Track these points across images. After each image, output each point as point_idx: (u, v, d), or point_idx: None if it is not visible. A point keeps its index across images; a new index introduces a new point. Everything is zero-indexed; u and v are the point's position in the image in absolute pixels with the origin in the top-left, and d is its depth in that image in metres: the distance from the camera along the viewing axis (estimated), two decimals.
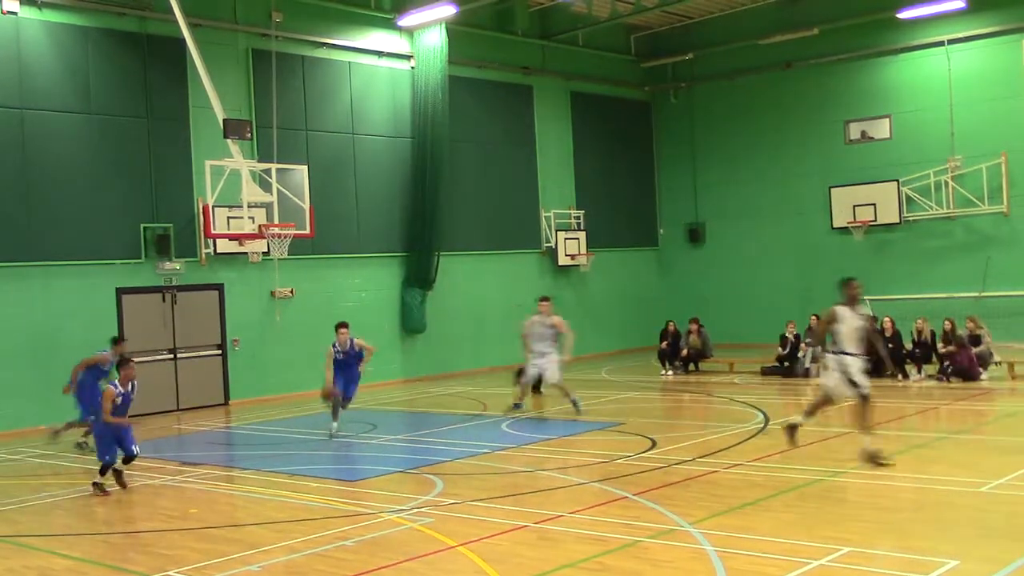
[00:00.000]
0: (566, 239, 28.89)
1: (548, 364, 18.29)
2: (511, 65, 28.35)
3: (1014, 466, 11.80)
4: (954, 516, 9.93)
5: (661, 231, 32.66)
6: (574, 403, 18.02)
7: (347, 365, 16.94)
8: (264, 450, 15.94)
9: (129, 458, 13.10)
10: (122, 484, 13.05)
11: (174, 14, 19.02)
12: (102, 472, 12.90)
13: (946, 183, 26.64)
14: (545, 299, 18.73)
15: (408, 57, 25.66)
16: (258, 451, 16.10)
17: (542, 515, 10.41)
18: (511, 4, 27.63)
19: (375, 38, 25.13)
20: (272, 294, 22.82)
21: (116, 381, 12.96)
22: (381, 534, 9.98)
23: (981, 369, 20.44)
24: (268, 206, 19.19)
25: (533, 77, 28.96)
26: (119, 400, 12.87)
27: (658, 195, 32.74)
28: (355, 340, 16.95)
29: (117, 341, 17.01)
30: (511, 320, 27.29)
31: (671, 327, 25.14)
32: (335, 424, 16.77)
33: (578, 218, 29.57)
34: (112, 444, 12.94)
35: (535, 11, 28.73)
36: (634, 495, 11.12)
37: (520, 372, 19.45)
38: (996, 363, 20.95)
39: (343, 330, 16.91)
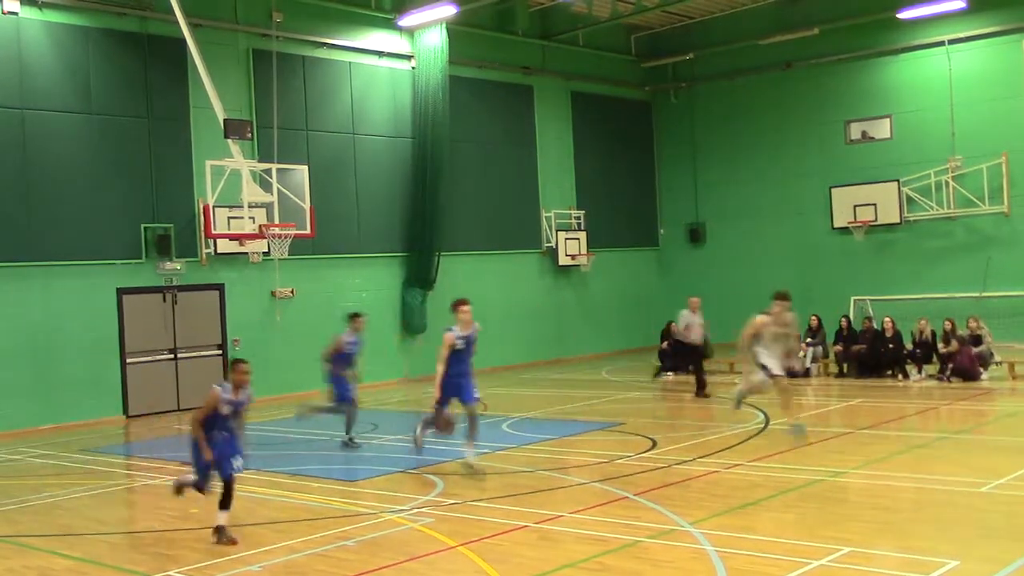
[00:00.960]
0: (566, 239, 28.90)
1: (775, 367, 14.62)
2: (511, 65, 28.35)
3: (1014, 466, 11.80)
4: (954, 516, 9.93)
5: (661, 231, 32.67)
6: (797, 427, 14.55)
7: (463, 359, 13.11)
8: (264, 450, 15.92)
9: (227, 482, 10.00)
10: (226, 540, 9.86)
11: (175, 14, 19.03)
12: (197, 487, 10.36)
13: (947, 183, 26.64)
14: (782, 296, 14.75)
15: (408, 57, 25.67)
16: (258, 451, 16.07)
17: (542, 515, 10.42)
18: (511, 4, 27.64)
19: (375, 38, 25.13)
20: (273, 294, 22.83)
21: (227, 387, 10.16)
22: (382, 534, 9.99)
23: (982, 369, 20.44)
24: (268, 206, 19.20)
25: (533, 77, 28.97)
26: (226, 410, 10.12)
27: (658, 195, 32.75)
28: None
29: (354, 316, 15.99)
30: (511, 320, 27.40)
31: (672, 327, 25.09)
32: (348, 436, 15.53)
33: (578, 218, 29.58)
34: (206, 465, 10.10)
35: (535, 11, 28.73)
36: (634, 495, 11.12)
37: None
38: (996, 363, 20.95)
39: (464, 308, 13.17)
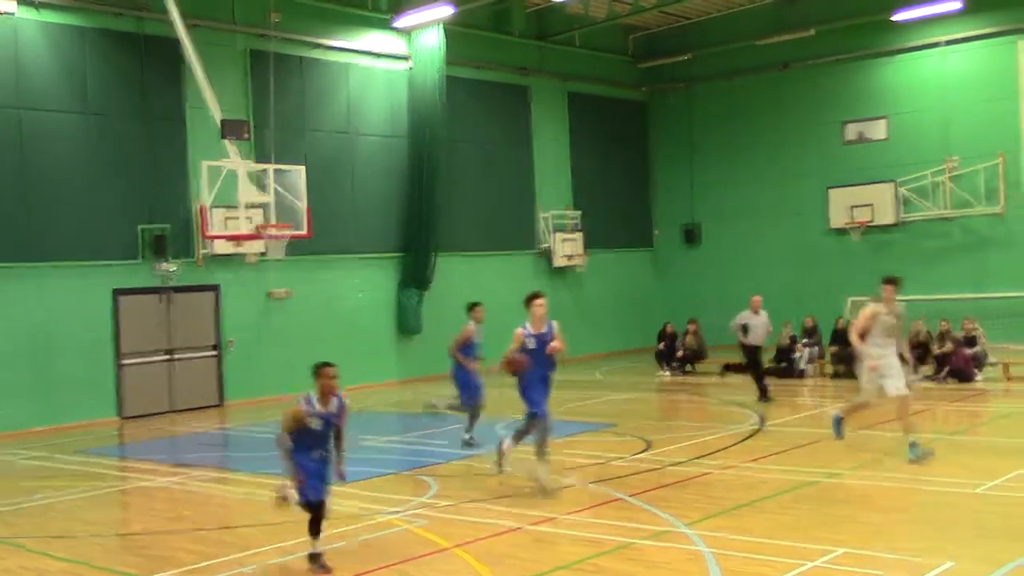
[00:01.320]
0: (563, 240, 28.88)
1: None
2: (508, 66, 28.35)
3: (1009, 467, 11.81)
4: (949, 517, 9.93)
5: (657, 232, 32.66)
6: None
7: (540, 362, 11.73)
8: (258, 452, 15.91)
9: (315, 508, 8.84)
10: (320, 568, 8.82)
11: (171, 15, 19.02)
12: (308, 508, 8.85)
13: (943, 184, 26.66)
14: (892, 280, 12.99)
15: (405, 58, 25.65)
16: (253, 453, 16.08)
17: (537, 517, 10.42)
18: (508, 5, 27.65)
19: (372, 39, 25.12)
20: (269, 295, 22.81)
21: (312, 397, 8.82)
22: (376, 535, 9.98)
23: (976, 370, 20.45)
24: (265, 207, 19.19)
25: (530, 78, 28.96)
26: (316, 424, 8.76)
27: (655, 196, 32.74)
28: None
29: (474, 306, 15.54)
30: (507, 320, 27.24)
31: (668, 328, 25.16)
32: (468, 435, 14.92)
33: (575, 219, 29.56)
34: (312, 479, 8.83)
35: (532, 12, 28.73)
36: (629, 496, 11.13)
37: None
38: (991, 364, 20.97)
39: (538, 301, 12.07)
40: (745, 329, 18.90)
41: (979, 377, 20.40)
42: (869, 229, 27.84)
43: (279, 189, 19.21)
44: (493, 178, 27.82)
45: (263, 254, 21.38)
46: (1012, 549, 8.51)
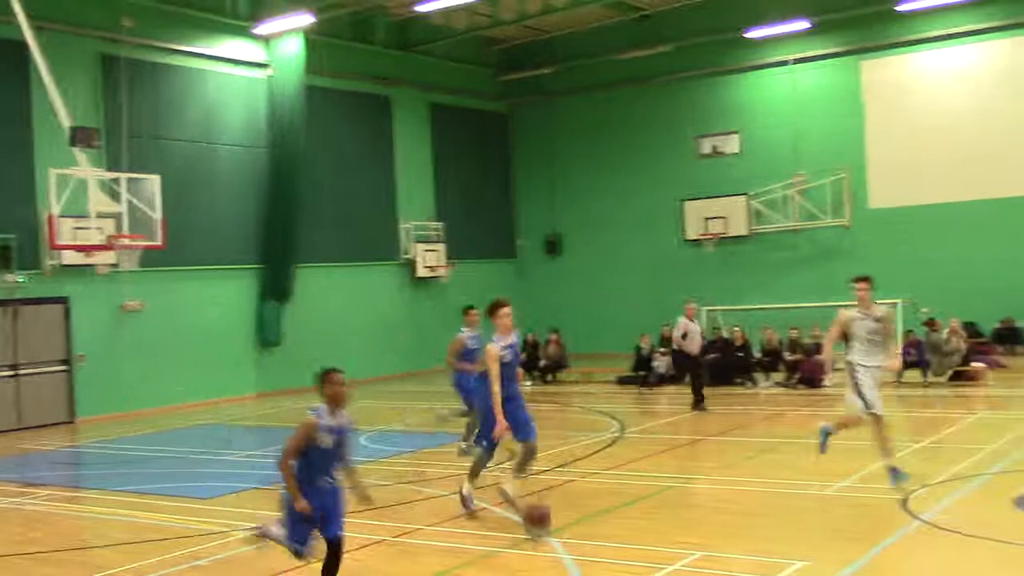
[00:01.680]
0: (425, 251, 28.85)
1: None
2: (370, 76, 28.19)
3: (857, 467, 12.27)
4: (802, 518, 10.28)
5: (520, 243, 32.93)
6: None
7: (512, 377, 10.78)
8: (112, 469, 15.39)
9: (333, 545, 7.75)
10: None
11: (17, 16, 18.27)
12: (294, 551, 7.85)
13: (792, 197, 27.64)
14: (863, 278, 11.65)
15: (265, 65, 25.25)
16: (106, 470, 15.54)
17: (400, 528, 10.36)
18: (370, 14, 27.50)
19: (231, 46, 24.64)
20: (121, 307, 22.08)
21: (321, 408, 7.63)
22: (234, 553, 9.75)
23: (824, 376, 21.22)
24: (117, 217, 18.60)
25: (392, 88, 28.86)
26: (327, 441, 7.58)
27: (517, 207, 33.01)
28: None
29: (468, 310, 14.61)
30: (369, 332, 27.18)
31: (529, 338, 25.35)
32: (465, 444, 13.74)
33: (437, 230, 29.56)
34: (304, 521, 7.65)
35: (394, 22, 28.65)
36: (493, 506, 11.15)
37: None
38: (838, 370, 21.74)
39: (504, 310, 10.87)
40: (684, 338, 18.70)
41: (828, 383, 21.16)
42: (722, 240, 28.67)
43: (132, 199, 18.64)
44: (354, 188, 27.58)
45: (115, 265, 20.69)
46: (862, 547, 8.85)
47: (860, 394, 11.35)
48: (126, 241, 18.67)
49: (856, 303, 11.51)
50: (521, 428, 10.56)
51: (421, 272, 28.66)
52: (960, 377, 20.40)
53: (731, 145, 29.13)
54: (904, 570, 8.49)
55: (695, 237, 29.04)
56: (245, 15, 24.66)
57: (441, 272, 29.07)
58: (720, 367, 22.07)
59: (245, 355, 24.57)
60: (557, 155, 32.01)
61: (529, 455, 10.69)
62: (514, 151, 33.08)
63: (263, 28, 24.33)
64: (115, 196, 18.65)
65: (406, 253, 28.69)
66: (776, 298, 26.54)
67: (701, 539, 9.30)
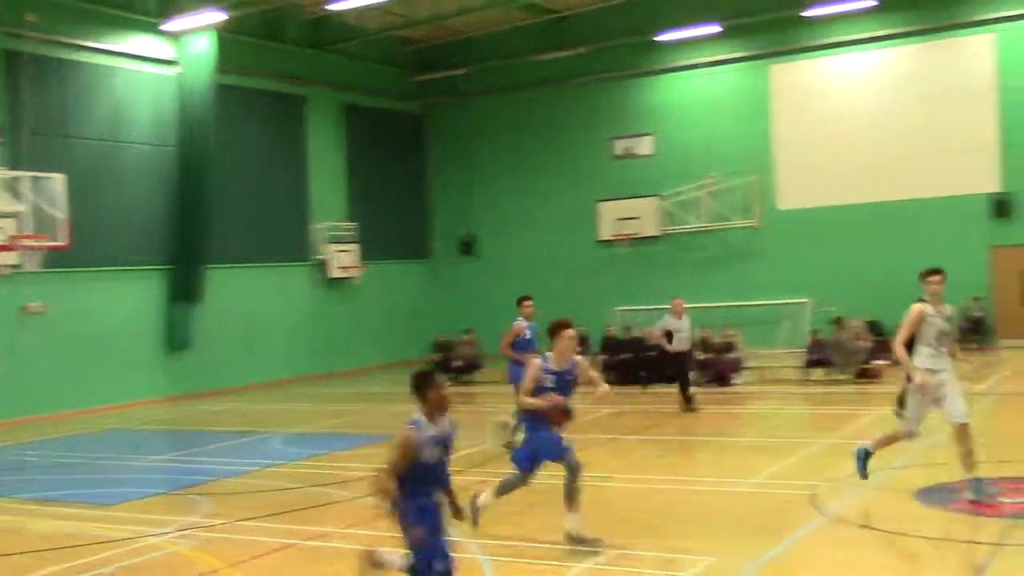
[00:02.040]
0: (338, 251, 28.59)
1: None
2: (282, 74, 27.85)
3: (765, 465, 12.50)
4: (713, 515, 10.42)
5: (434, 243, 32.84)
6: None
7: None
8: (14, 475, 14.97)
9: None
10: None
11: None
12: None
13: (703, 199, 28.04)
14: (937, 271, 10.41)
15: (174, 63, 24.77)
16: (7, 476, 15.10)
17: (312, 532, 10.26)
18: (282, 12, 27.16)
19: (139, 42, 24.12)
20: (23, 309, 21.46)
21: (419, 419, 6.73)
22: (140, 559, 9.55)
23: (735, 374, 21.58)
24: (19, 216, 18.12)
25: (305, 87, 28.54)
26: (432, 455, 6.70)
27: (432, 208, 32.92)
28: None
29: (523, 300, 14.17)
30: (281, 333, 26.86)
31: (443, 339, 25.32)
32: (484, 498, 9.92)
33: (351, 230, 29.31)
34: (434, 544, 6.71)
35: (307, 20, 28.33)
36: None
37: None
38: (748, 368, 22.18)
39: (569, 332, 9.62)
40: (669, 336, 18.15)
41: (738, 381, 21.52)
42: (635, 241, 28.96)
43: (35, 198, 18.17)
44: (266, 188, 27.22)
45: (17, 266, 20.12)
46: (769, 542, 9.01)
47: (947, 403, 9.93)
48: (29, 241, 18.20)
49: (928, 299, 10.12)
50: (557, 446, 9.25)
51: (334, 273, 28.40)
52: (864, 375, 20.90)
53: (644, 147, 29.44)
54: (810, 563, 8.67)
55: (609, 238, 29.31)
56: (154, 12, 24.17)
57: (354, 273, 28.85)
58: (633, 367, 22.30)
59: (155, 358, 24.07)
60: (473, 156, 32.01)
61: (574, 473, 9.25)
62: (429, 152, 32.98)
63: (172, 25, 23.88)
64: (17, 195, 18.16)
65: (319, 254, 28.41)
66: (688, 298, 26.75)
67: (614, 537, 9.36)
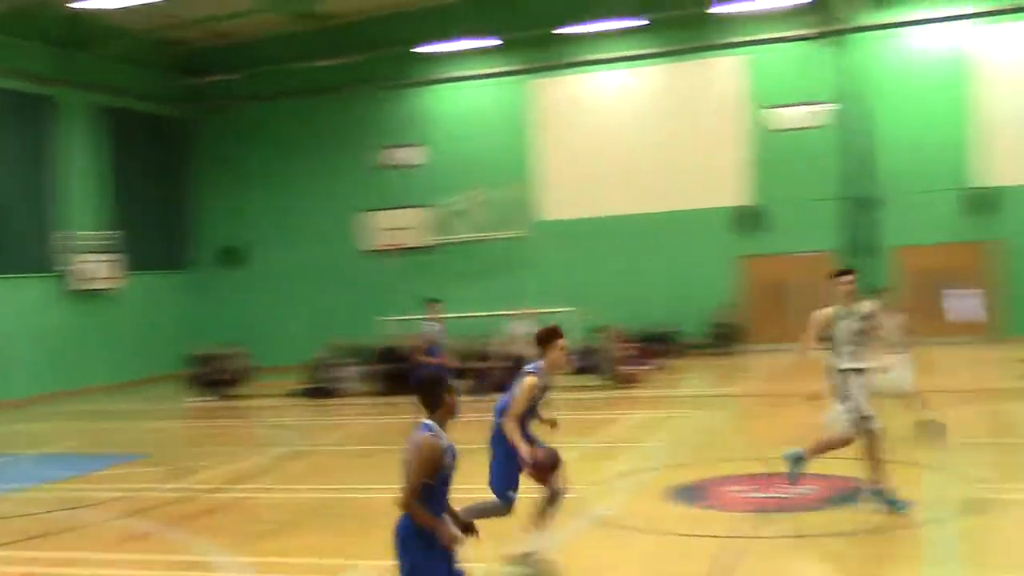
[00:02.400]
0: (94, 261, 27.01)
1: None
2: (31, 74, 26.17)
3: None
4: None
5: (198, 253, 31.68)
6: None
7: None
8: None
9: None
10: None
11: None
12: None
13: (472, 209, 28.33)
14: (846, 271, 10.03)
15: None
16: None
17: (58, 558, 9.70)
18: (33, 8, 25.45)
19: None
20: None
21: (434, 426, 6.01)
22: None
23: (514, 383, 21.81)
24: None
25: (56, 88, 26.90)
26: (451, 465, 6.02)
27: (196, 217, 31.79)
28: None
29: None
30: (25, 348, 25.10)
31: (208, 352, 24.50)
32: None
33: (107, 239, 27.75)
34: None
35: (61, 17, 26.56)
36: (163, 527, 10.67)
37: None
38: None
39: (563, 342, 8.57)
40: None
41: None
42: (406, 251, 28.99)
43: None
44: (11, 195, 25.43)
45: None
46: (529, 546, 9.15)
47: (854, 407, 9.66)
48: None
49: (839, 300, 9.86)
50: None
51: (82, 284, 26.71)
52: (624, 381, 21.63)
53: (415, 157, 29.52)
54: (574, 567, 8.85)
55: (378, 247, 29.21)
56: None
57: (112, 284, 27.43)
58: (395, 376, 22.20)
59: None
60: (242, 163, 31.14)
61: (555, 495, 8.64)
62: (194, 158, 31.85)
63: None
64: None
65: (68, 264, 26.67)
66: (456, 307, 27.00)
67: (362, 549, 9.29)
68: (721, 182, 26.73)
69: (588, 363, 22.02)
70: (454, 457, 5.97)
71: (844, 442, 9.77)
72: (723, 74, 27.07)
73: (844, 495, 10.37)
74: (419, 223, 28.83)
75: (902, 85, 25.59)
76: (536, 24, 27.31)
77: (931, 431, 12.89)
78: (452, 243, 28.56)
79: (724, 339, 25.86)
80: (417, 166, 29.48)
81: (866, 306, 10.01)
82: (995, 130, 24.73)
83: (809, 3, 25.30)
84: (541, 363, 8.42)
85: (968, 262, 24.97)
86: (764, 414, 17.43)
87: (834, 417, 9.78)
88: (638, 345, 23.33)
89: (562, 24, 26.77)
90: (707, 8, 25.59)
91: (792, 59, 26.35)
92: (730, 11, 25.91)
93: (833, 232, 25.77)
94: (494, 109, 28.60)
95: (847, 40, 25.87)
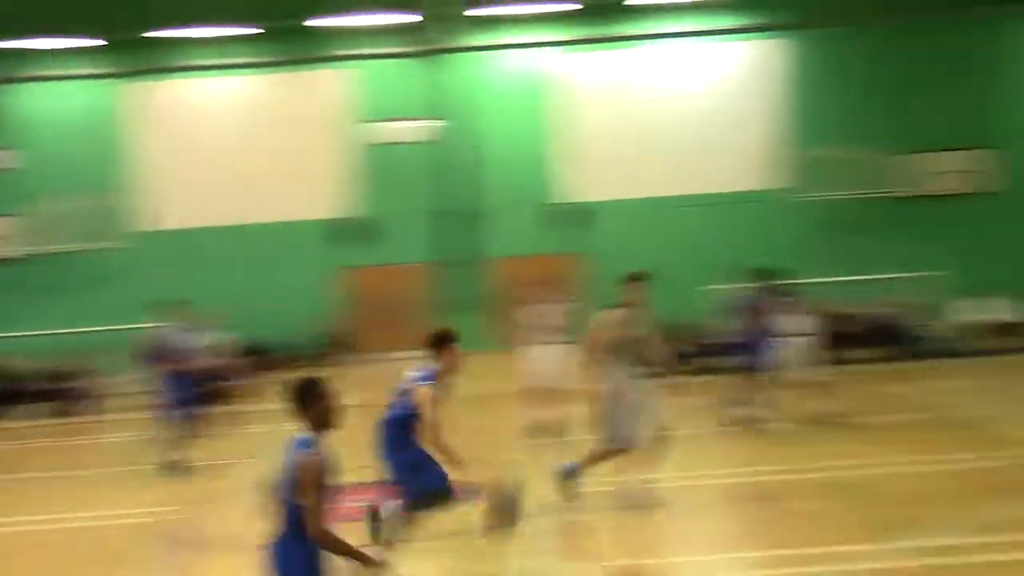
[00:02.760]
0: None
1: None
2: None
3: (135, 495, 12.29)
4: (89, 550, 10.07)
5: None
6: None
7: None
8: None
9: None
10: None
11: None
12: None
13: (73, 218, 26.71)
14: (639, 276, 10.27)
15: None
16: None
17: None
18: None
19: None
20: None
21: (311, 438, 5.64)
22: None
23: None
24: None
25: None
26: (330, 479, 5.61)
27: None
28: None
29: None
30: None
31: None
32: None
33: None
34: None
35: None
36: None
37: None
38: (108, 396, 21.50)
39: (458, 347, 8.49)
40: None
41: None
42: None
43: None
44: None
45: None
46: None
47: (626, 420, 9.65)
48: None
49: (625, 306, 9.91)
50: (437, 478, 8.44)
51: None
52: (225, 396, 21.33)
53: (6, 161, 27.53)
54: None
55: None
56: None
57: None
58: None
59: None
60: None
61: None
62: None
63: None
64: None
65: None
66: (51, 324, 25.42)
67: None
68: (325, 193, 27.24)
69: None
70: (332, 472, 5.56)
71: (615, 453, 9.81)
72: (327, 87, 27.63)
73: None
74: (10, 232, 26.86)
75: (498, 105, 27.23)
76: (133, 26, 26.31)
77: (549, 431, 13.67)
78: (47, 254, 26.76)
79: (331, 349, 26.15)
80: (9, 170, 27.51)
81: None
82: (581, 150, 26.95)
83: (410, 22, 26.36)
84: (436, 368, 8.17)
85: (560, 273, 26.96)
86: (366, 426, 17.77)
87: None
88: (243, 359, 23.07)
89: (160, 27, 26.11)
90: (314, 19, 25.95)
91: (394, 75, 27.32)
92: (335, 24, 26.51)
93: (437, 243, 26.96)
94: (90, 113, 27.37)
95: (446, 59, 27.16)
